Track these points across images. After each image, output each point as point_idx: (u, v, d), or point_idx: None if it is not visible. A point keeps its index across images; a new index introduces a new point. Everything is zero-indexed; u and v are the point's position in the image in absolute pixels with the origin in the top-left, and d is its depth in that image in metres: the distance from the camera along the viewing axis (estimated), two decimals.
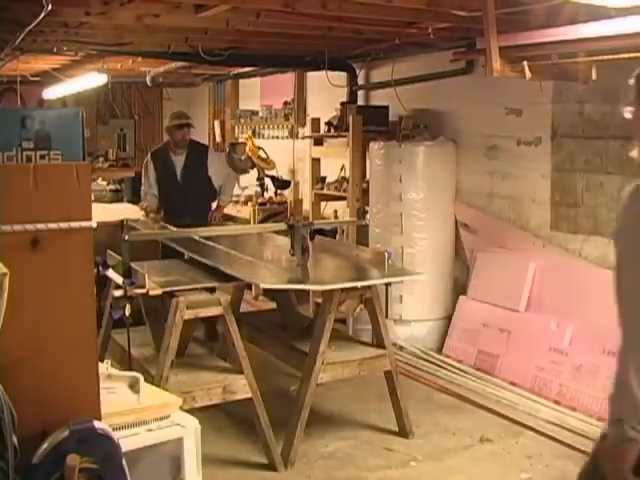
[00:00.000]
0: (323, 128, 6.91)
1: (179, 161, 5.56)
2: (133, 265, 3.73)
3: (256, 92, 8.86)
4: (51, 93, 8.83)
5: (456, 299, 5.65)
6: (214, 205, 5.88)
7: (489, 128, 5.60)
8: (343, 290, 3.91)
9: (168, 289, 3.68)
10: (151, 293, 3.61)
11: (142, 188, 5.89)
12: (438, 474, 3.84)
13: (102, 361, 2.55)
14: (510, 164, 5.47)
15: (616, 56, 3.90)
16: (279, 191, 7.77)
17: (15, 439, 1.77)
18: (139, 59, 6.97)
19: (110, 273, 3.75)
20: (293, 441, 3.85)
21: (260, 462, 3.88)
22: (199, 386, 3.66)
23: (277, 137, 8.31)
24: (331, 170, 6.95)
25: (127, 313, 3.50)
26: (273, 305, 5.09)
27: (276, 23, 4.81)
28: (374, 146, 5.94)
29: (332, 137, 6.82)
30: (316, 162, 7.06)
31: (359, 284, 3.92)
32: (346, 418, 4.51)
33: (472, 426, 4.36)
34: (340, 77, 6.94)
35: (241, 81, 9.18)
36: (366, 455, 4.04)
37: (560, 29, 3.93)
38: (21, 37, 4.62)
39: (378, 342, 4.19)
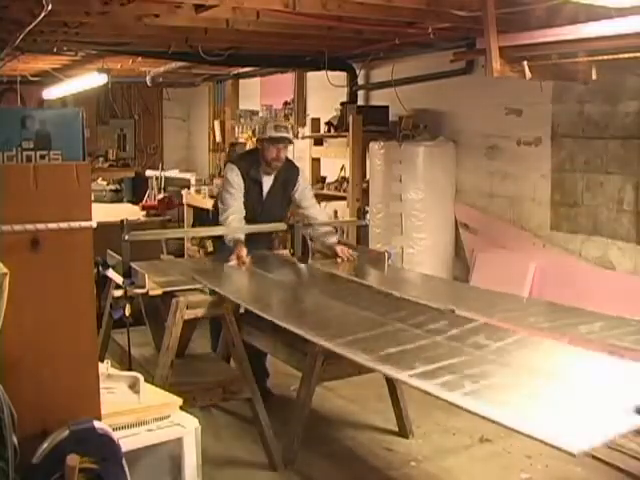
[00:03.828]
0: (323, 128, 6.92)
1: (268, 179, 4.59)
2: (133, 265, 3.73)
3: (256, 92, 8.86)
4: (51, 93, 8.83)
5: None
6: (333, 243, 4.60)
7: (489, 128, 5.60)
8: None
9: (168, 289, 3.68)
10: (151, 293, 3.61)
11: (222, 205, 4.49)
12: (438, 474, 3.84)
13: (102, 361, 2.55)
14: (510, 164, 5.47)
15: (616, 56, 3.90)
16: None
17: (15, 439, 1.77)
18: (139, 59, 6.98)
19: (110, 273, 3.75)
20: (293, 441, 3.85)
21: (260, 462, 3.88)
22: (199, 386, 3.66)
23: None
24: (331, 170, 6.95)
25: (127, 313, 3.50)
26: None
27: (276, 23, 4.81)
28: (374, 146, 5.94)
29: (332, 137, 6.82)
30: (316, 162, 7.07)
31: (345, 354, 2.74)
32: (346, 418, 4.51)
33: (472, 426, 4.35)
34: (340, 77, 6.94)
35: (241, 81, 9.19)
36: (366, 455, 4.04)
37: (560, 29, 3.92)
38: (21, 37, 4.61)
39: None
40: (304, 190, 4.68)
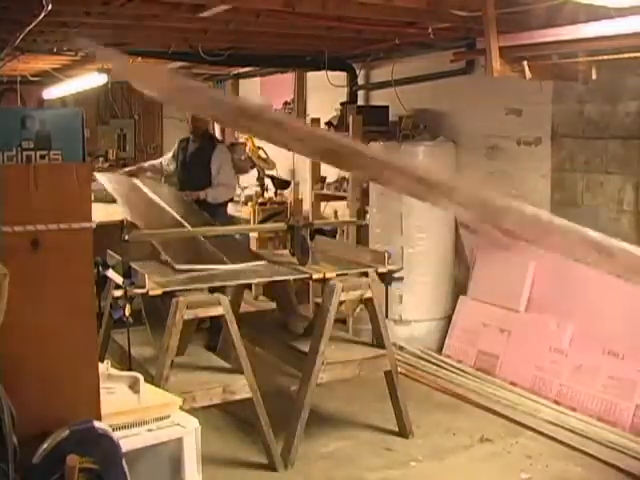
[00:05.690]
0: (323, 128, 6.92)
1: (193, 146, 6.09)
2: (133, 265, 3.73)
3: (256, 92, 8.86)
4: (51, 93, 8.83)
5: (456, 299, 5.65)
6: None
7: (489, 128, 5.60)
8: (343, 289, 3.93)
9: (168, 289, 3.68)
10: (151, 293, 3.61)
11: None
12: (438, 474, 3.85)
13: (102, 361, 2.55)
14: (510, 164, 5.47)
15: (616, 56, 3.90)
16: (279, 191, 7.77)
17: (15, 439, 1.77)
18: (139, 59, 6.96)
19: (110, 273, 3.75)
20: (293, 441, 3.85)
21: (260, 462, 3.88)
22: (199, 386, 3.66)
23: None
24: (331, 170, 6.94)
25: (127, 313, 3.50)
26: (273, 305, 5.09)
27: (276, 23, 4.81)
28: (374, 146, 5.93)
29: None
30: (316, 162, 7.06)
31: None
32: (346, 418, 4.51)
33: (472, 426, 4.36)
34: (340, 77, 6.94)
35: (241, 81, 9.18)
36: (366, 455, 4.04)
37: (560, 29, 3.92)
38: (21, 37, 4.61)
39: (378, 342, 4.19)
40: (219, 168, 5.85)
